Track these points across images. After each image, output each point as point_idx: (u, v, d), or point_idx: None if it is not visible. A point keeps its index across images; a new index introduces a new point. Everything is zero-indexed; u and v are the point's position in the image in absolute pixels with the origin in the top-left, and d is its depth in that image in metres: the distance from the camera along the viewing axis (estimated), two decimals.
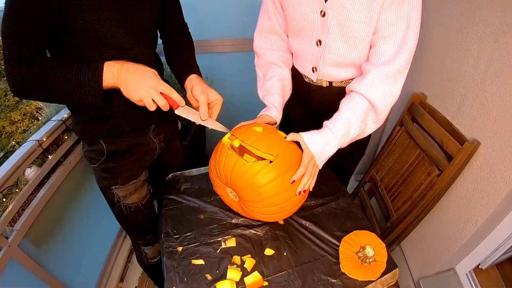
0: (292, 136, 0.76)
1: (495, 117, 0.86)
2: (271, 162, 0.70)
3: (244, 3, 1.54)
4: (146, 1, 0.73)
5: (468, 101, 0.96)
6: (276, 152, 0.71)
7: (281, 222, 0.85)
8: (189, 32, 0.96)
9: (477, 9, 0.91)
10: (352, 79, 0.87)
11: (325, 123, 0.78)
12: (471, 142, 0.89)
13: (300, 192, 0.72)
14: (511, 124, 0.81)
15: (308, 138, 0.75)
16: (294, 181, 0.71)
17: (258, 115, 0.88)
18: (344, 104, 0.78)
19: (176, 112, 0.71)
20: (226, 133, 0.78)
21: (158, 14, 0.79)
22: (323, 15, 0.74)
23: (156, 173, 1.03)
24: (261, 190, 0.70)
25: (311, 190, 0.76)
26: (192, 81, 0.81)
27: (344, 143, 0.78)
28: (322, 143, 0.74)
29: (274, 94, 0.88)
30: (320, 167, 0.77)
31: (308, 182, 0.73)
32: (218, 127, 0.78)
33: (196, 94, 0.77)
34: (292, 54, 0.96)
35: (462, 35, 0.97)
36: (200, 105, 0.75)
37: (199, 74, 0.85)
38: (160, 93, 0.66)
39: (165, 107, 0.67)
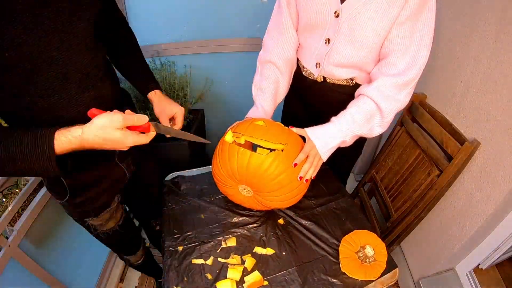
0: (296, 129, 0.81)
1: (495, 117, 0.86)
2: (282, 150, 0.73)
3: (245, 3, 1.54)
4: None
5: (468, 101, 0.96)
6: (284, 140, 0.75)
7: (281, 222, 0.86)
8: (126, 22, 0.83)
9: (478, 9, 0.91)
10: (349, 79, 0.88)
11: (332, 118, 0.83)
12: (471, 142, 0.89)
13: (302, 178, 0.75)
14: (511, 124, 0.81)
15: (310, 129, 0.80)
16: (296, 164, 0.74)
17: (246, 117, 0.89)
18: (351, 103, 0.83)
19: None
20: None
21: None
22: (337, 16, 0.76)
23: (132, 193, 0.98)
24: (279, 179, 0.73)
25: (313, 178, 0.79)
26: (152, 99, 0.83)
27: (348, 138, 0.81)
28: (324, 133, 0.79)
29: (266, 94, 0.91)
30: (324, 159, 0.80)
31: (310, 171, 0.76)
32: (192, 137, 0.74)
33: (156, 114, 0.80)
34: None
35: (462, 35, 0.98)
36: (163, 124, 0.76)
37: (156, 84, 0.84)
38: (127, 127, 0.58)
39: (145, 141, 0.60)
